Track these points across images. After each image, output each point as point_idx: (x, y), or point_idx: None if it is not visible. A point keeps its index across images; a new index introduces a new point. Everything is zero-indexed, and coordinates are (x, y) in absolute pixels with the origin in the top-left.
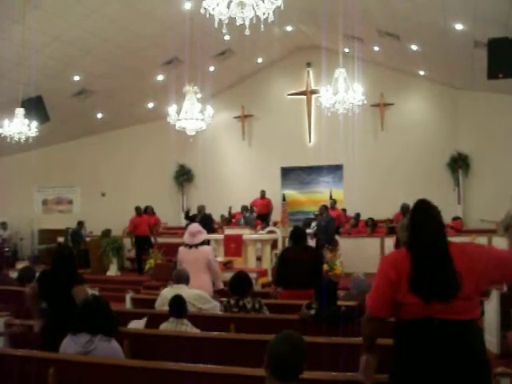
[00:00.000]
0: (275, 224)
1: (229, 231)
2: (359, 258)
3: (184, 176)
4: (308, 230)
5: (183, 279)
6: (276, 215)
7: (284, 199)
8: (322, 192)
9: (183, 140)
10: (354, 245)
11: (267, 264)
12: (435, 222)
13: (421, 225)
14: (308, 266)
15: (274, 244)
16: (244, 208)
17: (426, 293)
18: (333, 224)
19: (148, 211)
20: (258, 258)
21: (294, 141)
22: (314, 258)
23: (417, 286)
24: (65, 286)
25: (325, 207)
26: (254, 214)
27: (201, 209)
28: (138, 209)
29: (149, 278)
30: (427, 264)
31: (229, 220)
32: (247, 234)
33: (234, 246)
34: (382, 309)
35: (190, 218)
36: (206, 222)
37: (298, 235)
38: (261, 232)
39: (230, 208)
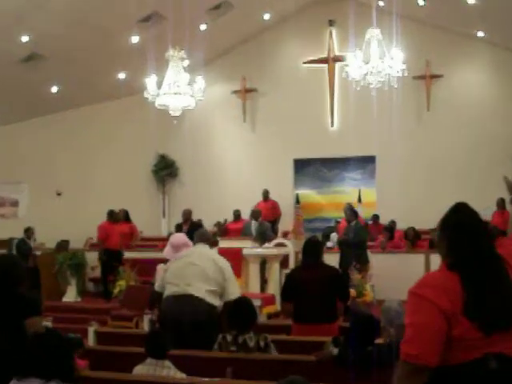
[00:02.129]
0: (286, 235)
1: (224, 244)
2: (396, 280)
3: (166, 170)
4: (328, 244)
5: (205, 238)
6: (287, 223)
7: (297, 202)
8: (348, 192)
9: (165, 122)
10: (389, 263)
11: (275, 288)
12: (484, 229)
13: (470, 234)
14: (327, 291)
15: (285, 261)
16: (255, 214)
17: (488, 322)
18: (364, 234)
19: (120, 217)
20: (264, 280)
21: (312, 124)
22: (335, 281)
23: (478, 314)
24: (12, 317)
25: (352, 211)
26: (267, 223)
27: (187, 215)
28: (112, 214)
29: (118, 306)
30: (486, 284)
31: (224, 229)
32: (248, 247)
33: (231, 263)
34: (433, 354)
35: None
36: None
37: (312, 249)
38: (266, 245)
39: (226, 220)
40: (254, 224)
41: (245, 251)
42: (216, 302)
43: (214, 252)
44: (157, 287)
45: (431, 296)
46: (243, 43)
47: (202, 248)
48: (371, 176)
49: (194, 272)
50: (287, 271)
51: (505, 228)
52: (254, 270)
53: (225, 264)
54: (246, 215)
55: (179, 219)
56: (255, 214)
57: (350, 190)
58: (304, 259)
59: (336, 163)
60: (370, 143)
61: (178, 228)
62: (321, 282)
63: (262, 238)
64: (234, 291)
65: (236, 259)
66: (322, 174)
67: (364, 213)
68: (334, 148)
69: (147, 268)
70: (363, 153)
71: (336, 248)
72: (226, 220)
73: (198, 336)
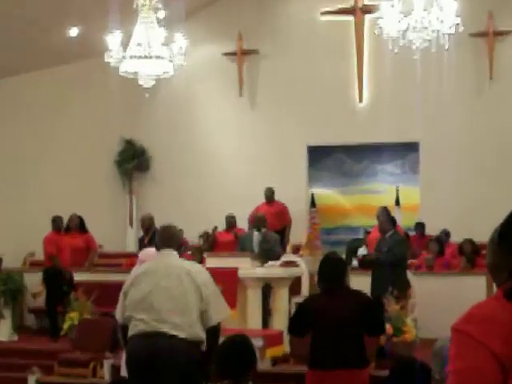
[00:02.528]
0: (297, 250)
1: (212, 262)
2: (447, 312)
3: (134, 161)
4: (354, 262)
5: (172, 241)
6: (298, 234)
7: (313, 205)
8: (382, 192)
9: (133, 96)
10: (439, 288)
11: (282, 323)
12: None
13: None
14: (354, 326)
15: (296, 286)
16: (259, 221)
17: None
18: (403, 249)
19: (72, 226)
20: (267, 312)
21: (333, 99)
22: (365, 313)
23: None
24: None
25: (388, 217)
26: (275, 235)
27: (148, 223)
28: (57, 221)
29: (69, 347)
30: None
31: (213, 241)
32: (247, 266)
33: (223, 288)
34: None
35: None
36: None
37: (333, 270)
38: (271, 264)
39: (215, 229)
40: (256, 236)
41: (241, 272)
42: (200, 336)
43: (186, 261)
44: (119, 319)
45: (479, 334)
46: None
47: (169, 258)
48: (413, 170)
49: (165, 299)
50: (299, 300)
51: None
52: (253, 298)
53: (203, 276)
54: (242, 223)
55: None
56: (259, 222)
57: (384, 189)
58: (322, 283)
59: (365, 152)
60: (412, 125)
61: (141, 243)
62: (346, 313)
63: (268, 255)
64: (219, 311)
65: (229, 283)
66: (346, 167)
67: (404, 220)
68: (363, 131)
69: (108, 295)
70: (402, 138)
71: (365, 268)
72: (215, 228)
73: None
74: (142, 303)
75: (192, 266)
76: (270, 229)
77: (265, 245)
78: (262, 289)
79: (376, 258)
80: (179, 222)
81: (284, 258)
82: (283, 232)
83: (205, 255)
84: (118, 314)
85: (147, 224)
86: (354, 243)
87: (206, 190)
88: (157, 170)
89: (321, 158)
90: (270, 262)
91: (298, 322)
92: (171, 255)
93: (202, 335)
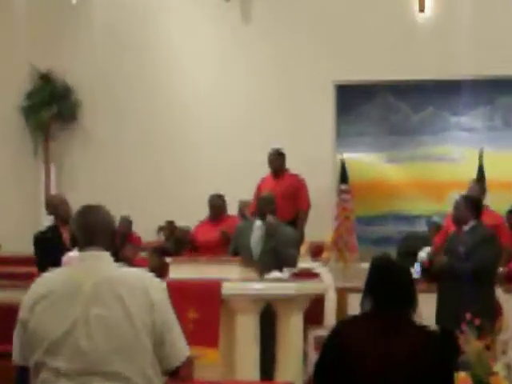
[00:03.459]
0: (317, 252)
1: (184, 270)
2: None
3: (51, 107)
4: (414, 271)
5: (100, 234)
6: (319, 225)
7: (344, 179)
8: (457, 159)
9: (53, 4)
10: None
11: (293, 371)
12: None
13: None
14: (410, 380)
15: (315, 310)
16: (265, 203)
17: None
18: (492, 252)
19: None
20: (269, 354)
21: (376, 6)
22: (428, 358)
23: None
24: None
25: (470, 202)
26: (288, 229)
27: (54, 204)
28: None
29: None
30: None
31: (185, 239)
32: (236, 278)
33: (197, 316)
34: None
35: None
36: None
37: (388, 284)
38: (276, 276)
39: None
40: (258, 228)
41: (227, 288)
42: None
43: (130, 270)
44: (19, 361)
45: None
46: None
47: (97, 264)
48: (507, 123)
49: (99, 335)
50: (321, 333)
51: None
52: (247, 330)
53: (159, 295)
54: (233, 208)
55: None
56: (264, 205)
57: (460, 154)
58: (373, 306)
59: (428, 94)
60: (506, 52)
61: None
62: (400, 359)
63: (276, 259)
64: (182, 348)
65: (207, 306)
66: (396, 119)
67: (492, 203)
68: (425, 60)
69: (9, 323)
70: (490, 71)
71: (432, 280)
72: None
73: None
74: (58, 343)
75: (140, 276)
76: (279, 216)
77: (270, 243)
78: (260, 315)
79: (448, 266)
80: (127, 207)
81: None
82: (295, 223)
83: (168, 260)
84: (16, 355)
85: (51, 211)
86: (409, 241)
87: (172, 155)
88: (88, 121)
89: (356, 103)
90: (274, 273)
91: (326, 371)
92: (100, 259)
93: None
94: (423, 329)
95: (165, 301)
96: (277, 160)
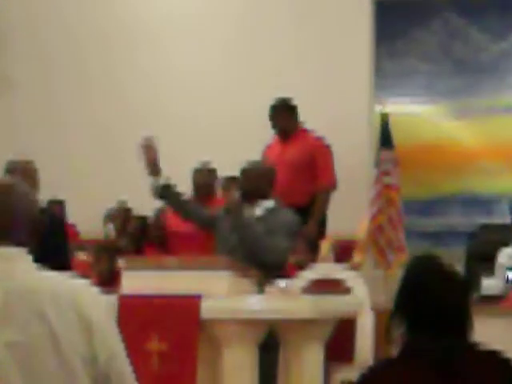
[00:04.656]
0: (347, 252)
1: (140, 279)
2: None
3: None
4: (488, 281)
5: (12, 226)
6: (350, 211)
7: (387, 142)
8: None
9: None
10: None
11: None
12: None
13: None
14: None
15: (342, 342)
16: (248, 179)
17: None
18: None
19: None
20: None
21: None
22: None
23: None
24: None
25: None
26: (285, 211)
27: None
28: None
29: None
30: None
31: (154, 232)
32: (222, 293)
33: (163, 348)
34: None
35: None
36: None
37: (444, 300)
38: (280, 287)
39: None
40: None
41: (208, 307)
42: None
43: (56, 276)
44: None
45: None
46: None
47: (10, 266)
48: None
49: (12, 371)
50: (353, 374)
51: None
52: (238, 369)
53: (97, 310)
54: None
55: None
56: (246, 181)
57: None
58: (415, 330)
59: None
60: None
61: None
62: None
63: (261, 259)
64: (124, 367)
65: (179, 332)
66: (467, 50)
67: None
68: None
69: None
70: None
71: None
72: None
73: None
74: None
75: (70, 285)
76: (286, 200)
77: (242, 232)
78: (258, 347)
79: None
80: (61, 186)
81: (314, 272)
82: (311, 209)
83: (121, 264)
84: None
85: None
86: (485, 237)
87: (131, 109)
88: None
89: (404, 27)
90: (280, 283)
91: None
92: (12, 260)
93: None
94: (495, 352)
95: (107, 319)
96: (281, 113)
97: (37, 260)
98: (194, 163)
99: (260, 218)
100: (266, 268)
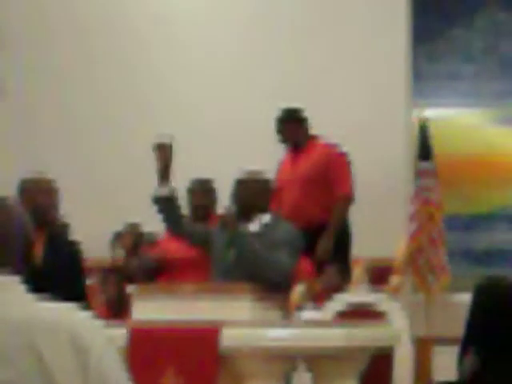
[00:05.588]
0: (383, 275)
1: (153, 307)
2: None
3: None
4: None
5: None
6: (385, 230)
7: (426, 152)
8: None
9: None
10: None
11: None
12: None
13: None
14: None
15: (379, 376)
16: (247, 194)
17: None
18: None
19: None
20: None
21: None
22: None
23: None
24: None
25: None
26: (287, 225)
27: None
28: None
29: None
30: None
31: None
32: (244, 321)
33: (179, 382)
34: None
35: None
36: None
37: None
38: (310, 316)
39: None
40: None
41: (228, 336)
42: None
43: (47, 304)
44: None
45: None
46: None
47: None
48: None
49: None
50: None
51: None
52: None
53: (96, 337)
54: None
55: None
56: (243, 196)
57: None
58: (482, 364)
59: None
60: None
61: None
62: None
63: (282, 282)
64: None
65: (196, 365)
66: None
67: None
68: None
69: None
70: None
71: None
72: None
73: None
74: None
75: (67, 316)
76: (302, 217)
77: (238, 250)
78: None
79: None
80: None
81: (346, 299)
82: (336, 231)
83: (131, 290)
84: None
85: None
86: None
87: (131, 115)
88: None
89: (445, 22)
90: (309, 312)
91: None
92: (3, 289)
93: None
94: None
95: (109, 354)
96: (289, 125)
97: (53, 289)
98: (199, 173)
99: (257, 234)
100: (268, 286)
